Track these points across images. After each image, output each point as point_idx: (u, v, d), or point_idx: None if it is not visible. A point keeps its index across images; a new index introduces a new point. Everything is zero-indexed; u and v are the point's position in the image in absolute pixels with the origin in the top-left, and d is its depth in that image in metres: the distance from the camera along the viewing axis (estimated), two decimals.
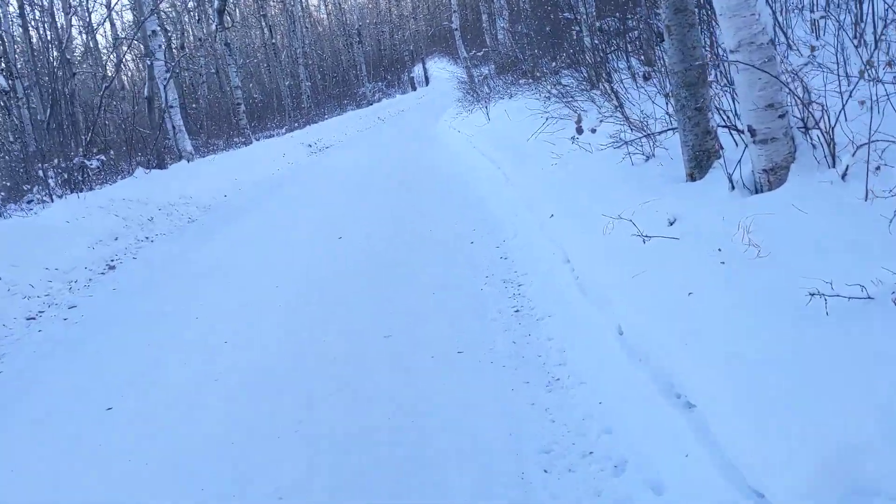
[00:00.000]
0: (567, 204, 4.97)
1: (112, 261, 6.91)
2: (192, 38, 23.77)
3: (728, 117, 4.25)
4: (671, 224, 3.62)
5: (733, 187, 3.60)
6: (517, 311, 4.18)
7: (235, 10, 33.17)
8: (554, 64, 13.18)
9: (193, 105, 23.21)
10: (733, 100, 4.14)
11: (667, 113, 5.07)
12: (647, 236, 3.47)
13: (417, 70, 41.28)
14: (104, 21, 13.15)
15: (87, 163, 9.59)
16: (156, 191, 9.23)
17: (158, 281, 6.09)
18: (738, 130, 4.13)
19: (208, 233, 8.06)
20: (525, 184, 6.56)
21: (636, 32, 10.12)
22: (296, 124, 24.12)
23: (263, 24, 26.32)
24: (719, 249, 3.09)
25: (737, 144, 4.11)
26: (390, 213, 7.60)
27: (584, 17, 9.71)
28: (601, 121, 5.48)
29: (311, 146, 19.92)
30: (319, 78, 35.11)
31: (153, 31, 13.57)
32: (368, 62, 37.75)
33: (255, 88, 30.96)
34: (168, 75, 12.63)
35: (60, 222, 6.99)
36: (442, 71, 41.98)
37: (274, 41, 26.49)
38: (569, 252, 4.44)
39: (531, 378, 3.32)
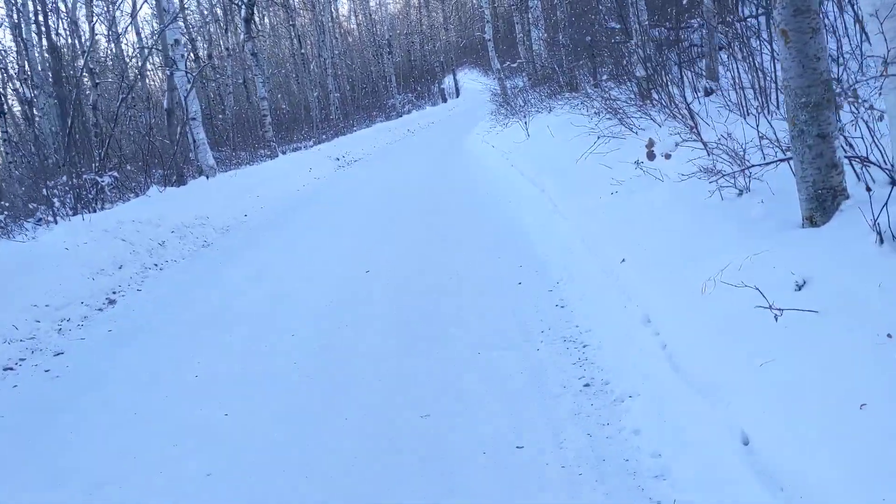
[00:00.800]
0: (640, 246, 4.12)
1: (114, 293, 6.20)
2: (221, 47, 23.34)
3: (854, 146, 3.38)
4: (800, 288, 2.76)
5: (881, 240, 2.74)
6: (587, 385, 3.33)
7: (265, 20, 32.84)
8: (602, 76, 12.36)
9: (220, 116, 22.73)
10: (868, 126, 3.28)
11: (761, 137, 4.20)
12: (776, 308, 2.60)
13: (448, 81, 40.66)
14: (127, 29, 12.56)
15: (100, 179, 8.97)
16: (170, 211, 8.54)
17: (159, 324, 5.34)
18: (873, 164, 3.26)
19: (221, 261, 7.33)
20: (578, 215, 5.71)
21: (691, 42, 9.26)
22: (324, 136, 23.53)
23: (292, 34, 25.83)
24: (889, 336, 2.24)
25: (859, 179, 3.25)
26: (423, 242, 6.80)
27: (636, 25, 8.85)
28: (678, 145, 4.62)
29: (338, 160, 19.27)
30: (349, 89, 34.61)
31: (175, 41, 12.99)
32: (398, 73, 37.20)
33: (284, 99, 30.51)
34: (190, 86, 12.01)
35: (58, 249, 6.30)
36: (473, 82, 41.29)
37: (303, 51, 25.97)
38: (650, 311, 3.59)
39: (619, 496, 2.48)
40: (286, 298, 5.50)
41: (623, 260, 4.08)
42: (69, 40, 16.89)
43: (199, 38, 24.42)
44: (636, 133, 6.79)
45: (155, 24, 21.99)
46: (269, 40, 35.12)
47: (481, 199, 8.59)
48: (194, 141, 12.12)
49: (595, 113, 8.35)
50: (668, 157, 4.48)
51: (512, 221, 6.94)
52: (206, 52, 24.23)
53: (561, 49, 17.39)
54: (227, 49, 21.64)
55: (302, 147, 21.97)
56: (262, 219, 9.83)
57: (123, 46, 18.88)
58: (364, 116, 30.43)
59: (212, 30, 23.24)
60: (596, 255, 4.71)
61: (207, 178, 11.28)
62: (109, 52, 18.54)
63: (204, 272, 6.91)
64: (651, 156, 4.43)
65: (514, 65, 23.10)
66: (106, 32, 15.26)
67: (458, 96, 38.96)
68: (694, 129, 4.77)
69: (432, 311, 4.69)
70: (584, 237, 5.20)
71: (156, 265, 7.15)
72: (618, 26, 11.16)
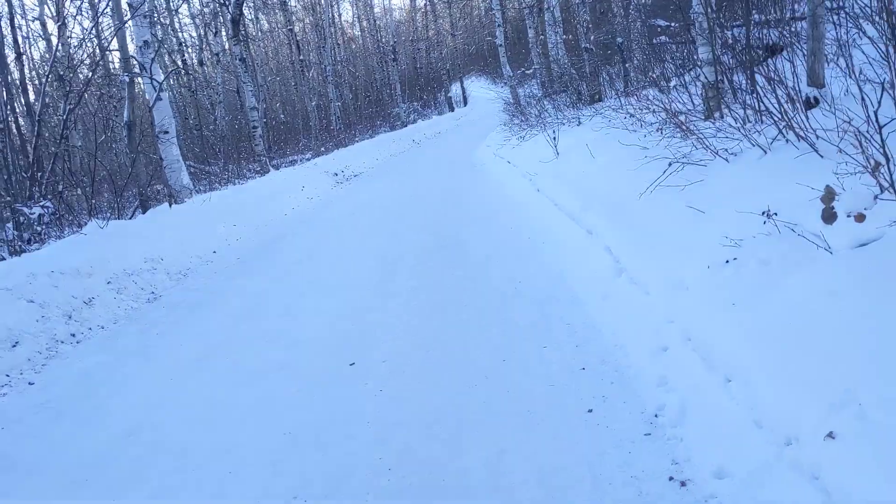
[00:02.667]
0: (849, 400, 2.24)
1: None
2: (210, 52, 21.55)
3: None
4: None
5: None
6: None
7: (261, 23, 31.14)
8: (641, 83, 10.52)
9: (211, 127, 20.96)
10: None
11: None
12: None
13: (455, 89, 38.89)
14: (63, 23, 10.81)
15: (28, 211, 7.17)
16: (111, 252, 6.72)
17: (33, 460, 3.49)
18: None
19: (164, 329, 5.48)
20: (670, 292, 3.78)
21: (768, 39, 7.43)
22: (322, 148, 21.74)
23: (290, 39, 24.10)
24: None
25: None
26: (431, 308, 4.94)
27: (704, 19, 6.99)
28: (877, 198, 2.74)
29: (336, 175, 17.46)
30: (351, 97, 32.87)
31: (145, 42, 11.21)
32: (403, 81, 35.45)
33: (282, 109, 28.77)
34: (156, 94, 10.21)
35: None
36: (481, 90, 39.54)
37: (302, 58, 24.23)
38: None
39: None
40: (236, 407, 3.66)
41: (831, 435, 2.16)
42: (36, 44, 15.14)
43: (185, 41, 22.68)
44: (727, 160, 4.93)
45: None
46: (266, 45, 33.45)
47: (504, 237, 6.72)
48: (162, 159, 10.30)
49: (657, 129, 6.51)
50: (860, 218, 2.62)
51: (554, 284, 5.05)
52: (196, 57, 22.49)
53: (584, 53, 15.58)
54: (216, 54, 19.89)
55: (298, 160, 20.19)
56: (232, 258, 7.98)
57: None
58: (367, 126, 28.67)
59: (202, 33, 21.50)
60: (730, 385, 2.83)
61: (173, 204, 9.44)
62: (88, 57, 16.76)
63: (133, 349, 5.05)
64: (831, 216, 2.59)
65: (529, 71, 21.22)
66: (72, 34, 13.44)
67: (465, 105, 37.20)
68: (880, 171, 2.87)
69: (452, 462, 2.84)
70: (696, 340, 3.30)
71: (73, 336, 5.30)
72: (666, 24, 9.33)
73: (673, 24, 9.10)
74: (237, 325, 5.31)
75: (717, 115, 6.79)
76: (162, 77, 11.09)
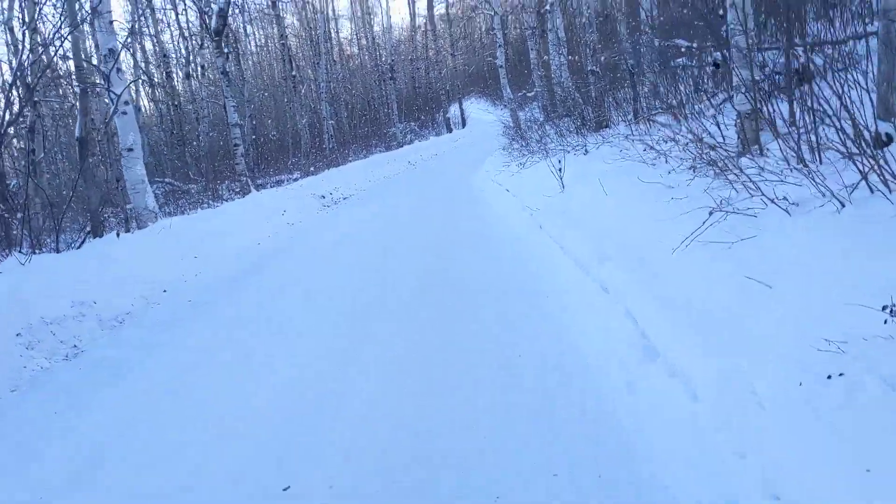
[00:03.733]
0: None
1: None
2: (194, 65, 20.54)
3: None
4: None
5: None
6: None
7: (251, 33, 30.26)
8: (652, 111, 9.50)
9: (195, 143, 19.92)
10: None
11: None
12: None
13: (453, 110, 38.02)
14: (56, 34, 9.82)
15: None
16: (32, 294, 5.61)
17: None
18: None
19: (69, 402, 4.35)
20: (731, 403, 2.65)
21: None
22: (312, 168, 20.71)
23: (283, 53, 23.17)
24: None
25: None
26: (406, 401, 3.82)
27: (742, 37, 5.95)
28: None
29: (323, 198, 16.40)
30: (346, 116, 31.94)
31: (109, 51, 10.18)
32: (401, 100, 34.55)
33: (273, 125, 27.79)
34: (113, 107, 9.16)
35: None
36: (480, 112, 38.70)
37: (294, 74, 23.28)
38: None
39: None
40: None
41: None
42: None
43: (170, 52, 21.69)
44: (787, 210, 3.85)
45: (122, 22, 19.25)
46: (261, 58, 32.58)
47: (503, 285, 5.60)
48: (118, 179, 9.22)
49: (689, 167, 5.44)
50: None
51: (565, 357, 3.94)
52: (182, 70, 21.50)
53: (589, 76, 14.60)
54: (201, 67, 18.90)
55: (286, 180, 19.16)
56: (183, 299, 6.86)
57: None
58: (361, 146, 27.70)
59: (189, 45, 20.52)
60: None
61: (123, 232, 8.34)
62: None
63: (14, 437, 3.92)
64: None
65: (531, 94, 20.25)
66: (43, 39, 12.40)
67: (464, 126, 36.29)
68: None
69: None
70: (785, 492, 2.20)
71: None
72: (687, 44, 8.32)
73: (695, 45, 8.11)
74: (159, 401, 4.18)
75: (754, 149, 5.77)
76: (123, 89, 10.03)
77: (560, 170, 7.76)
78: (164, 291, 7.11)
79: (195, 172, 19.07)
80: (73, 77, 10.69)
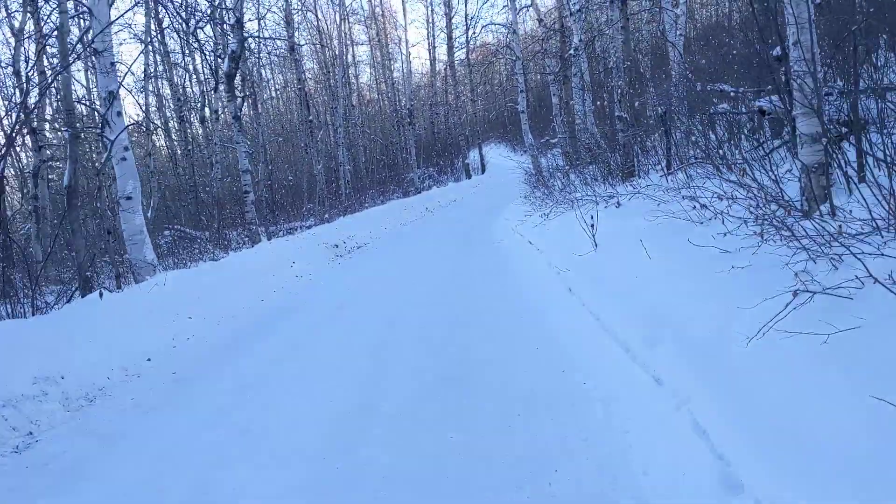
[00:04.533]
0: None
1: None
2: (208, 110, 20.18)
3: None
4: None
5: None
6: None
7: (274, 78, 30.12)
8: (688, 159, 8.70)
9: (207, 189, 19.42)
10: None
11: None
12: None
13: (473, 156, 37.54)
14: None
15: None
16: None
17: None
18: None
19: None
20: None
21: None
22: (327, 215, 20.08)
23: (300, 97, 22.80)
24: None
25: None
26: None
27: (808, 80, 5.17)
28: None
29: (336, 247, 15.69)
30: (364, 161, 31.53)
31: (110, 93, 9.63)
32: (419, 145, 34.13)
33: (290, 171, 27.37)
34: (107, 154, 8.53)
35: None
36: (500, 157, 38.22)
37: (311, 119, 22.88)
38: None
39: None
40: None
41: None
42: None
43: (182, 97, 21.35)
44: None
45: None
46: (279, 103, 32.42)
47: (529, 366, 4.75)
48: (109, 231, 8.54)
49: (752, 231, 4.60)
50: None
51: (614, 490, 3.08)
52: (198, 115, 21.16)
53: (616, 122, 13.90)
54: (214, 112, 18.50)
55: (298, 228, 18.51)
56: (168, 370, 6.06)
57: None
58: (378, 191, 27.15)
59: (204, 89, 20.17)
60: None
61: (122, 286, 7.62)
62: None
63: None
64: None
65: (555, 140, 19.60)
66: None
67: (483, 172, 35.74)
68: None
69: None
70: None
71: None
72: (733, 89, 7.55)
73: (741, 90, 7.34)
74: None
75: (821, 209, 4.94)
76: (121, 135, 9.44)
77: (592, 227, 6.94)
78: (148, 360, 6.32)
79: (209, 218, 18.51)
80: (62, 121, 10.13)
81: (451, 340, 5.80)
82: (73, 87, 10.18)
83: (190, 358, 6.45)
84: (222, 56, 14.63)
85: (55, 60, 11.56)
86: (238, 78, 21.97)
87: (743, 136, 7.67)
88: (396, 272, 10.85)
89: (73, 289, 7.88)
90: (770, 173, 5.73)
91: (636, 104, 11.48)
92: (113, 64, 9.77)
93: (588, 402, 3.99)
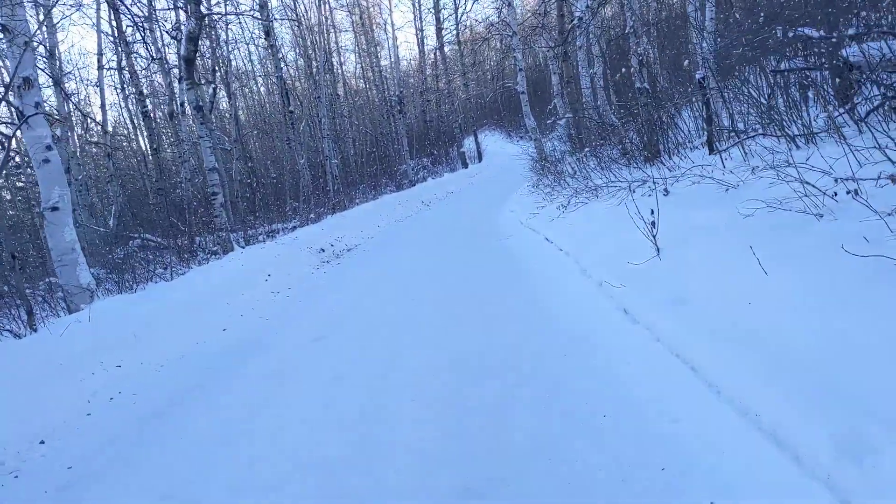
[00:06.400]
0: None
1: None
2: (175, 103, 18.17)
3: None
4: None
5: None
6: None
7: (252, 69, 28.19)
8: (748, 132, 6.82)
9: (177, 191, 17.49)
10: None
11: None
12: None
13: (468, 144, 35.60)
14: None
15: None
16: None
17: None
18: None
19: None
20: None
21: None
22: (312, 215, 18.19)
23: (280, 87, 20.84)
24: None
25: None
26: None
27: None
28: None
29: (323, 251, 13.86)
30: (353, 153, 29.59)
31: (25, 80, 7.74)
32: (411, 135, 32.18)
33: (273, 167, 25.45)
34: (4, 153, 6.65)
35: None
36: (497, 145, 36.31)
37: (292, 110, 20.95)
38: None
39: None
40: None
41: None
42: None
43: (146, 87, 19.36)
44: None
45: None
46: (258, 95, 30.50)
47: (580, 430, 2.97)
48: (14, 255, 6.66)
49: None
50: None
51: None
52: (167, 109, 19.16)
53: (637, 96, 12.04)
54: (182, 106, 16.52)
55: (281, 230, 16.62)
56: (63, 461, 4.20)
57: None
58: (369, 185, 25.25)
59: (169, 80, 18.15)
60: None
61: (33, 327, 5.75)
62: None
63: None
64: None
65: (562, 121, 17.70)
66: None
67: (480, 161, 33.82)
68: None
69: None
70: None
71: None
72: (823, 35, 5.70)
73: (836, 35, 5.49)
74: None
75: None
76: (43, 131, 7.57)
77: (652, 223, 5.05)
78: (42, 443, 4.47)
79: (182, 222, 16.61)
80: None
81: (469, 401, 3.94)
82: None
83: (104, 434, 4.58)
84: (178, 37, 12.72)
85: None
86: (210, 65, 20.02)
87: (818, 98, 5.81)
88: (390, 284, 8.99)
89: None
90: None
91: (684, 63, 9.58)
92: (28, 43, 7.86)
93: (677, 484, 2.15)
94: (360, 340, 6.05)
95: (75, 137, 17.74)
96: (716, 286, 4.01)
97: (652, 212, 4.99)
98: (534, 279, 7.27)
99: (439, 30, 33.70)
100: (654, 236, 5.05)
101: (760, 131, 6.66)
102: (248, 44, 26.20)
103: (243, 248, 12.51)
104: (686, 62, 11.18)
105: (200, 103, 12.12)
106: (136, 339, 6.30)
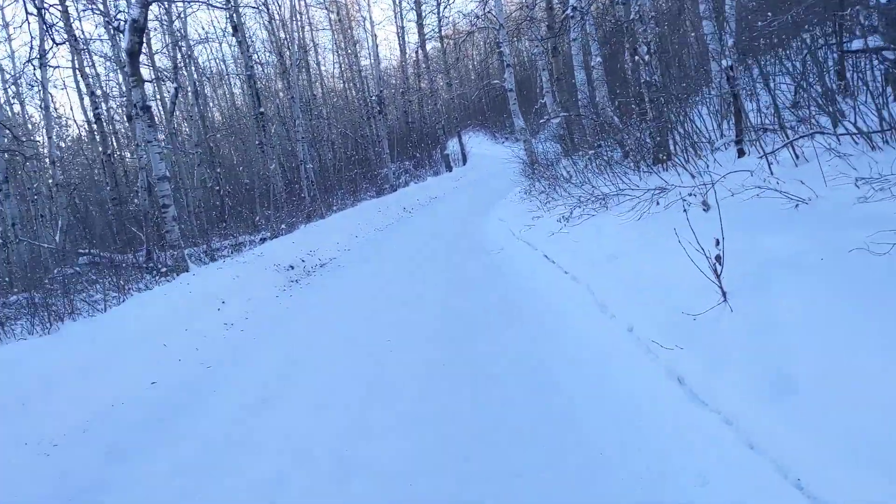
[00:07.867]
0: None
1: None
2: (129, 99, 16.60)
3: None
4: None
5: None
6: None
7: (223, 70, 26.66)
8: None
9: (135, 201, 15.91)
10: None
11: None
12: None
13: (452, 145, 34.16)
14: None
15: None
16: None
17: None
18: None
19: None
20: None
21: None
22: (283, 226, 16.64)
23: (250, 86, 19.33)
24: None
25: None
26: None
27: None
28: None
29: (292, 268, 12.35)
30: (330, 157, 28.08)
31: None
32: (392, 137, 30.70)
33: (246, 173, 23.87)
34: None
35: None
36: (481, 147, 34.89)
37: (262, 111, 19.44)
38: None
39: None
40: None
41: None
42: None
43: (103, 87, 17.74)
44: None
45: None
46: (230, 96, 28.96)
47: None
48: None
49: None
50: None
51: None
52: (127, 110, 17.56)
53: (646, 90, 10.66)
54: (134, 105, 14.93)
55: (247, 243, 15.06)
56: None
57: None
58: (348, 191, 23.74)
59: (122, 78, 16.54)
60: None
61: None
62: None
63: None
64: None
65: (555, 120, 16.31)
66: None
67: (464, 163, 32.39)
68: None
69: None
70: None
71: None
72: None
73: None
74: None
75: None
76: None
77: (717, 257, 3.61)
78: None
79: (140, 235, 15.04)
80: None
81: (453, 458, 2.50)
82: None
83: None
84: (120, 27, 11.20)
85: None
86: (171, 63, 18.47)
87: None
88: (363, 311, 7.53)
89: None
90: None
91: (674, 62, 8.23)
92: None
93: None
94: (319, 401, 4.58)
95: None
96: (833, 364, 2.58)
97: (717, 242, 3.56)
98: (539, 314, 5.82)
99: (421, 26, 32.27)
100: (719, 277, 3.62)
101: (825, 128, 5.27)
102: (220, 42, 24.60)
103: (205, 265, 11.00)
104: (685, 51, 9.83)
105: (148, 102, 10.60)
106: (23, 407, 4.80)
